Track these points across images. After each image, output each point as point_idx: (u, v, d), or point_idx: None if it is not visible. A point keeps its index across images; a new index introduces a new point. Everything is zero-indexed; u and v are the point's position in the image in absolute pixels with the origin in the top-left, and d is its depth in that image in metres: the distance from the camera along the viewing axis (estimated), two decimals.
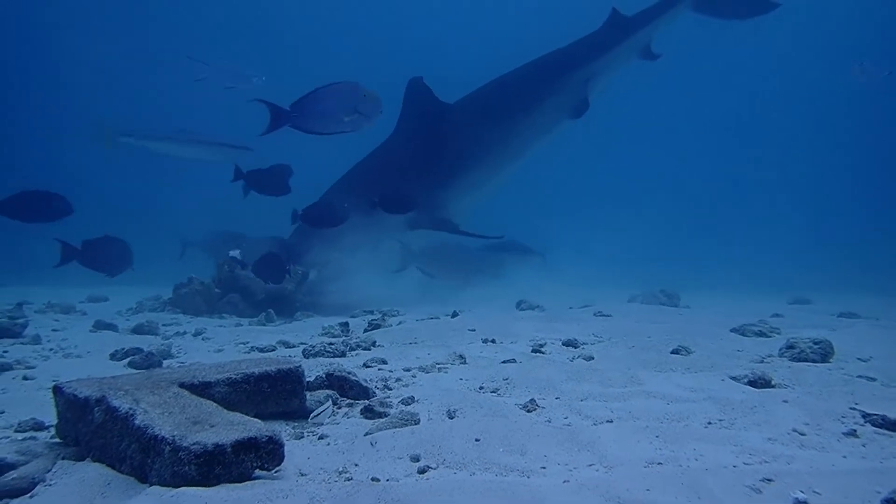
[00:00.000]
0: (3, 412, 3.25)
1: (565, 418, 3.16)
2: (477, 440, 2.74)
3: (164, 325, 6.44)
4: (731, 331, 5.46)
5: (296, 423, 3.11)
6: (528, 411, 3.29)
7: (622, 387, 3.73)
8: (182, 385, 2.88)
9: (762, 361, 4.36)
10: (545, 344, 5.05)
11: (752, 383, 3.66)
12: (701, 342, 4.96)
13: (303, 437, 2.95)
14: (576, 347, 4.99)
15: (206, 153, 9.36)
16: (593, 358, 4.56)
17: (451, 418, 3.19)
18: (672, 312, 7.35)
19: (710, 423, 3.01)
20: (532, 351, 4.83)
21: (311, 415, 3.17)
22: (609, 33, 10.65)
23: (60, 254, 6.67)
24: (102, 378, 2.92)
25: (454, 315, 7.14)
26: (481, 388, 3.77)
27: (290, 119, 5.37)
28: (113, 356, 4.68)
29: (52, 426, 2.97)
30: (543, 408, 3.33)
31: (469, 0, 35.36)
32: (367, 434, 2.90)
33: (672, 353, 4.65)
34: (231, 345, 5.39)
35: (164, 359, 4.60)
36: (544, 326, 6.07)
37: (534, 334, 5.58)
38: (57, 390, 2.76)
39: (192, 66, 9.24)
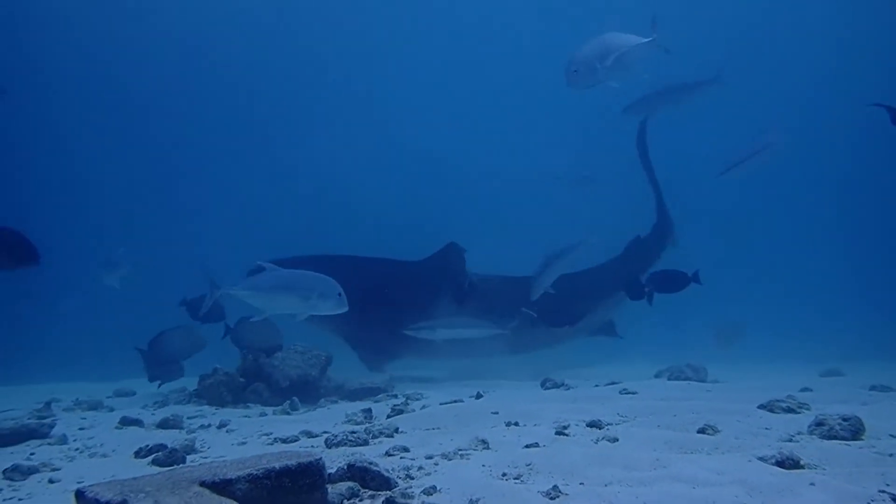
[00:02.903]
0: None
1: None
2: None
3: (189, 417, 6.47)
4: (759, 407, 5.36)
5: None
6: (552, 499, 3.25)
7: (647, 470, 3.67)
8: (203, 484, 2.89)
9: (791, 440, 4.27)
10: (569, 426, 4.98)
11: (780, 464, 3.58)
12: (728, 420, 4.86)
13: None
14: (600, 429, 4.92)
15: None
16: (618, 440, 4.49)
17: None
18: (699, 388, 7.23)
19: None
20: (556, 433, 4.77)
21: None
22: None
23: None
24: (124, 480, 2.94)
25: (478, 397, 7.10)
26: (504, 475, 3.73)
27: None
28: (137, 454, 4.70)
29: None
30: (567, 495, 3.28)
31: None
32: None
33: (698, 432, 4.57)
34: (255, 436, 5.39)
35: (188, 454, 4.61)
36: (569, 406, 6.00)
37: (558, 415, 5.52)
38: (79, 495, 2.79)
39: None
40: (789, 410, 5.21)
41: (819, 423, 4.36)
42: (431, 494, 3.41)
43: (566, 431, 4.82)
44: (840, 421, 4.29)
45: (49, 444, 5.18)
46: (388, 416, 5.91)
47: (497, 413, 5.59)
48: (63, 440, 5.25)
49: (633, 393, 6.80)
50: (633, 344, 12.48)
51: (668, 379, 8.53)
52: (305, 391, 8.15)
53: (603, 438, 4.54)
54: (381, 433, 5.01)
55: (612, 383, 7.87)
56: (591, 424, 5.02)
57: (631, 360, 12.21)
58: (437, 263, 10.36)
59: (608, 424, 5.04)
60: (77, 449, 5.02)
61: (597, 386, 7.89)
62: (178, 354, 8.83)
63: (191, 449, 4.75)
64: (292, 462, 3.18)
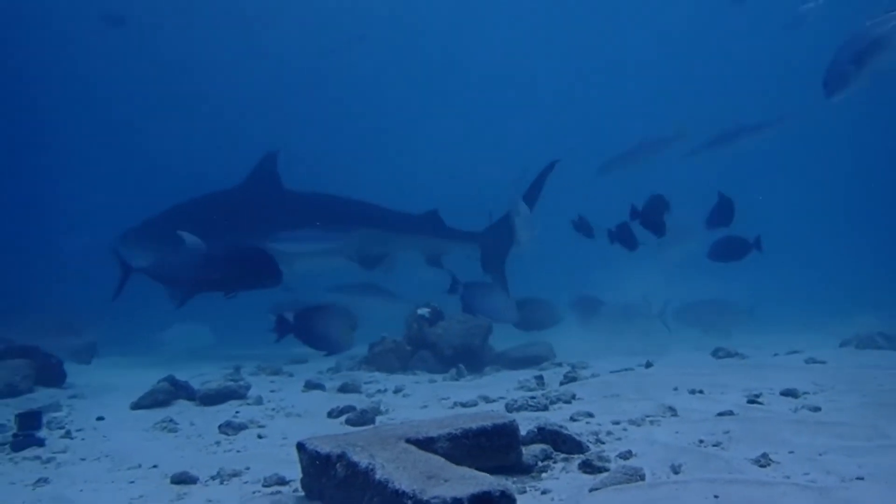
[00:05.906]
0: (248, 468, 3.52)
1: (806, 474, 2.92)
2: (716, 497, 2.59)
3: (364, 383, 6.73)
4: None
5: (515, 478, 3.11)
6: (762, 466, 3.08)
7: (865, 440, 3.40)
8: (408, 441, 2.97)
9: None
10: (761, 394, 4.71)
11: None
12: None
13: (525, 491, 2.94)
14: (796, 397, 4.62)
15: None
16: (820, 409, 4.20)
17: (677, 473, 3.05)
18: None
19: None
20: (747, 402, 4.53)
21: None
22: None
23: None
24: (337, 435, 3.09)
25: (648, 365, 6.90)
26: (701, 441, 3.58)
27: None
28: (330, 414, 4.96)
29: (293, 481, 3.18)
30: (779, 463, 3.10)
31: None
32: (592, 490, 2.83)
33: None
34: (433, 400, 5.53)
35: (376, 415, 4.80)
36: (752, 374, 5.70)
37: (744, 384, 5.23)
38: (300, 447, 2.95)
39: None
40: None
41: None
42: (628, 459, 3.33)
43: (759, 400, 4.57)
44: None
45: (248, 404, 5.57)
46: (562, 384, 5.87)
47: (676, 389, 5.35)
48: (259, 401, 5.63)
49: (822, 362, 6.34)
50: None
51: (856, 347, 7.90)
52: (468, 359, 8.25)
53: (802, 407, 4.27)
54: (558, 399, 4.96)
55: (794, 352, 7.39)
56: (786, 393, 4.73)
57: (789, 330, 11.41)
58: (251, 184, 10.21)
59: (804, 393, 4.73)
60: (273, 409, 5.36)
61: (776, 355, 7.44)
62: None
63: (377, 411, 4.94)
64: (488, 423, 3.21)
